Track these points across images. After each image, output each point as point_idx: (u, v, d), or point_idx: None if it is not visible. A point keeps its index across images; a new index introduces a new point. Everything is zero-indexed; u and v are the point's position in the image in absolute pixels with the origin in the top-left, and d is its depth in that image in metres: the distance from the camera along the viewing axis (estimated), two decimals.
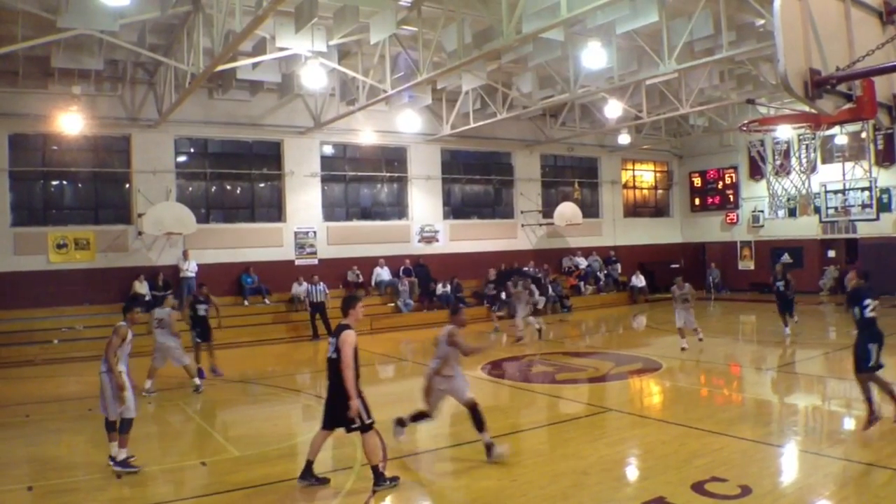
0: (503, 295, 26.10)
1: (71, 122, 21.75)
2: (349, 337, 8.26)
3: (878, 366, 9.78)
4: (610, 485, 8.36)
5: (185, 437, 11.97)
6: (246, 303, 24.87)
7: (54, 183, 24.03)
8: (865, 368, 9.78)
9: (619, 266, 33.37)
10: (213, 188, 26.26)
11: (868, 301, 9.94)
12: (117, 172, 24.40)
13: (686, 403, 13.21)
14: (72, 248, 23.11)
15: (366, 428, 8.36)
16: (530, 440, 8.62)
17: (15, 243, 22.39)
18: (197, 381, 15.25)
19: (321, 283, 23.95)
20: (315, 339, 23.32)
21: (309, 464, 8.62)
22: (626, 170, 36.56)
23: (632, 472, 9.09)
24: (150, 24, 19.52)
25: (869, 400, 9.74)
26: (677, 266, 34.54)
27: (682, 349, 17.69)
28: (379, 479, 8.39)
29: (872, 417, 9.74)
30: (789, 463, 9.35)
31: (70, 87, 22.23)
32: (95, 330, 20.82)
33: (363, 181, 28.99)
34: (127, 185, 24.48)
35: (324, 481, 8.64)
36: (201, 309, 17.04)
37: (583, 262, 32.61)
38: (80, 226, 23.44)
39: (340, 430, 8.56)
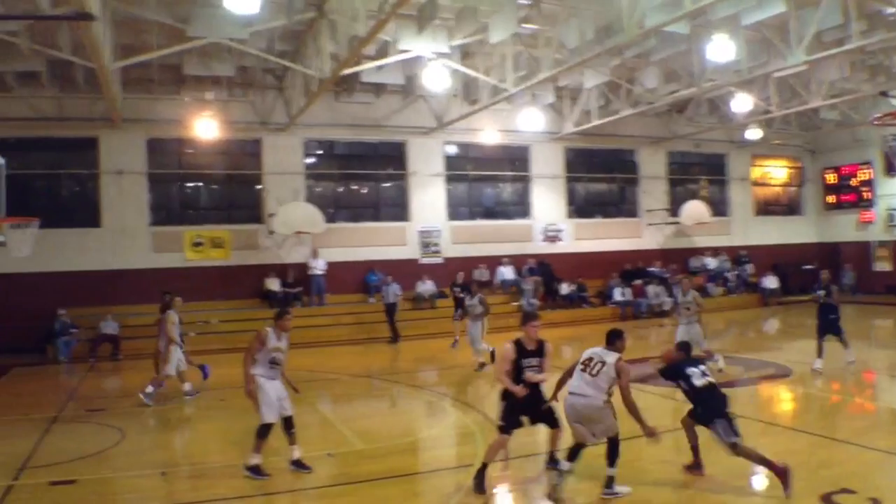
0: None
1: (205, 126, 22.71)
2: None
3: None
4: (736, 494, 8.18)
5: (312, 429, 12.26)
6: (371, 300, 25.35)
7: (189, 184, 25.30)
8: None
9: (749, 267, 32.28)
10: (340, 188, 27.00)
11: (692, 370, 8.72)
12: (249, 174, 25.40)
13: (817, 411, 12.82)
14: (208, 246, 24.18)
15: (499, 429, 8.60)
16: (655, 446, 8.49)
17: (154, 241, 23.70)
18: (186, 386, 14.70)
19: (394, 284, 23.82)
20: (395, 342, 23.13)
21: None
22: (756, 166, 35.28)
23: (759, 482, 8.77)
24: (278, 31, 20.22)
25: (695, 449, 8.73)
26: (811, 267, 33.21)
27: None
28: (479, 478, 8.31)
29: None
30: None
31: (203, 94, 23.24)
32: (229, 324, 21.88)
33: (486, 180, 29.16)
34: (258, 186, 25.41)
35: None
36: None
37: (711, 263, 31.72)
38: (214, 225, 24.59)
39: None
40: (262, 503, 8.50)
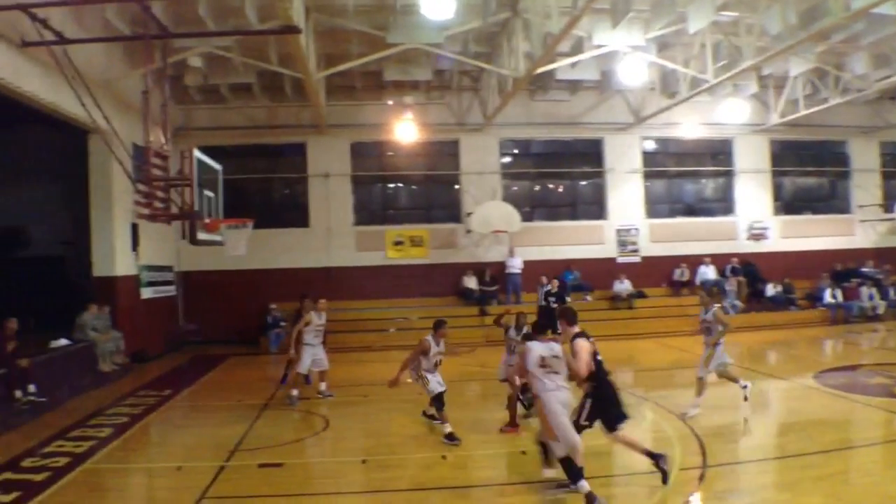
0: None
1: (405, 129, 23.45)
2: None
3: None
4: None
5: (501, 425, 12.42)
6: (567, 299, 25.18)
7: (390, 186, 26.23)
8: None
9: None
10: (536, 187, 27.11)
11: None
12: (447, 174, 26.03)
13: None
14: (407, 244, 25.02)
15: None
16: (861, 458, 7.98)
17: (357, 241, 24.88)
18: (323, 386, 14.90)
19: (548, 286, 22.80)
20: None
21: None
22: None
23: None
24: (472, 34, 20.58)
25: None
26: None
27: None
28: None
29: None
30: None
31: (402, 98, 24.04)
32: (427, 321, 22.16)
33: (686, 176, 28.33)
34: (455, 186, 25.98)
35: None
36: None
37: None
38: (414, 224, 25.44)
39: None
40: (448, 496, 8.68)
